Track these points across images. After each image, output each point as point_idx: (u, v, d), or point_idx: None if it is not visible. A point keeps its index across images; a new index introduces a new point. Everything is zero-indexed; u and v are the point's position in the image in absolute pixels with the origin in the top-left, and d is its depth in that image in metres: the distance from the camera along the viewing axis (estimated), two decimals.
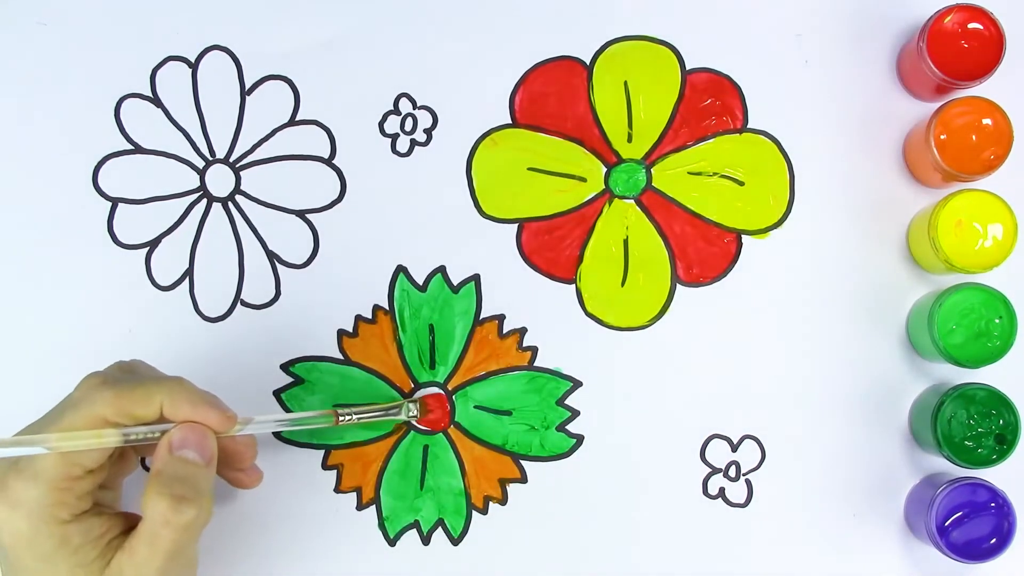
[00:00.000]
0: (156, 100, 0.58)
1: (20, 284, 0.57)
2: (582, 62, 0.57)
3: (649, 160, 0.56)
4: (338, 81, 0.57)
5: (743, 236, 0.56)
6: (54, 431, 0.43)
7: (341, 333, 0.56)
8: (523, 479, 0.55)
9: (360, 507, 0.55)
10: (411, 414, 0.54)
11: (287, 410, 0.55)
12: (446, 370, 0.56)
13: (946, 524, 0.50)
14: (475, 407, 0.55)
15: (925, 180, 0.55)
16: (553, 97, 0.57)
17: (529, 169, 0.57)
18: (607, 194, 0.56)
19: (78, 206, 0.57)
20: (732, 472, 0.54)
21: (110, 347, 0.55)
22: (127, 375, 0.47)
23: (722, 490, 0.55)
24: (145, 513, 0.43)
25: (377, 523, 0.55)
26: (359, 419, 0.52)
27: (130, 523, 0.45)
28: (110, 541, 0.44)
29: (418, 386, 0.56)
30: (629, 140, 0.56)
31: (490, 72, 0.57)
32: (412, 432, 0.55)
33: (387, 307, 0.56)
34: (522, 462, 0.55)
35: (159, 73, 0.58)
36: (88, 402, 0.44)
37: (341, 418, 0.51)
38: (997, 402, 0.50)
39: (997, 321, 0.50)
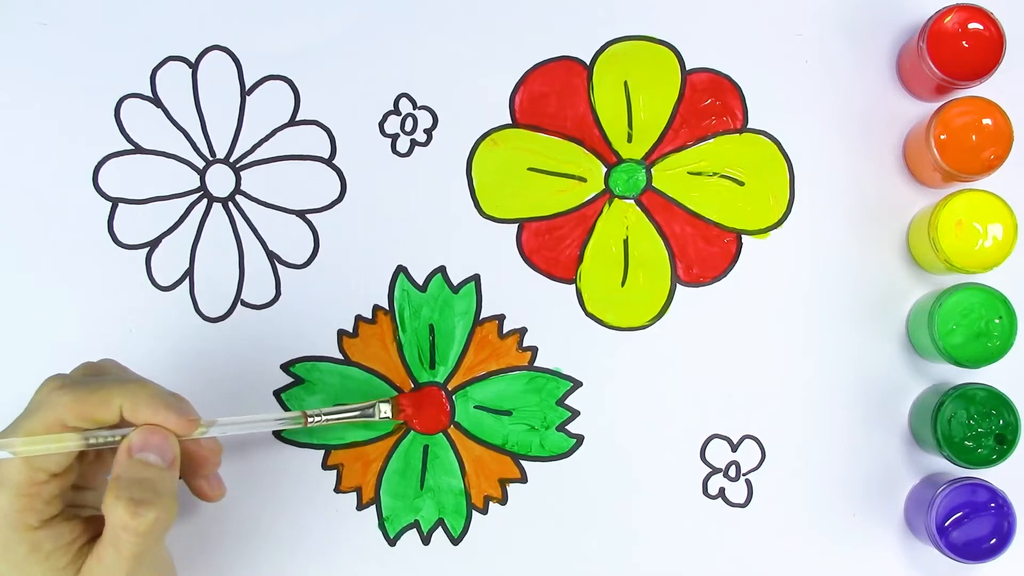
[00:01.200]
0: (156, 100, 0.58)
1: (20, 284, 0.57)
2: (582, 62, 0.57)
3: (649, 160, 0.56)
4: (338, 81, 0.57)
5: (743, 236, 0.56)
6: (15, 436, 0.42)
7: (341, 333, 0.56)
8: (523, 479, 0.55)
9: (360, 507, 0.55)
10: (384, 415, 0.53)
11: (287, 410, 0.55)
12: (446, 370, 0.56)
13: (946, 524, 0.50)
14: (475, 407, 0.55)
15: (925, 180, 0.55)
16: (553, 97, 0.57)
17: (529, 169, 0.57)
18: (607, 194, 0.56)
19: (78, 206, 0.57)
20: (732, 472, 0.54)
21: (110, 347, 0.55)
22: (90, 377, 0.46)
23: (722, 490, 0.55)
24: (106, 518, 0.43)
25: (377, 523, 0.55)
26: (329, 420, 0.51)
27: (100, 528, 0.44)
28: (81, 547, 0.44)
29: (418, 386, 0.56)
30: (629, 140, 0.56)
31: (490, 72, 0.57)
32: (412, 432, 0.55)
33: (387, 307, 0.56)
34: (522, 462, 0.55)
35: (159, 73, 0.58)
36: (47, 406, 0.43)
37: (310, 419, 0.50)
38: (997, 402, 0.50)
39: (997, 321, 0.50)
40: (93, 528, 0.45)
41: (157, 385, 0.45)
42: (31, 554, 0.43)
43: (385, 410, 0.53)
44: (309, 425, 0.50)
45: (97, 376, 0.47)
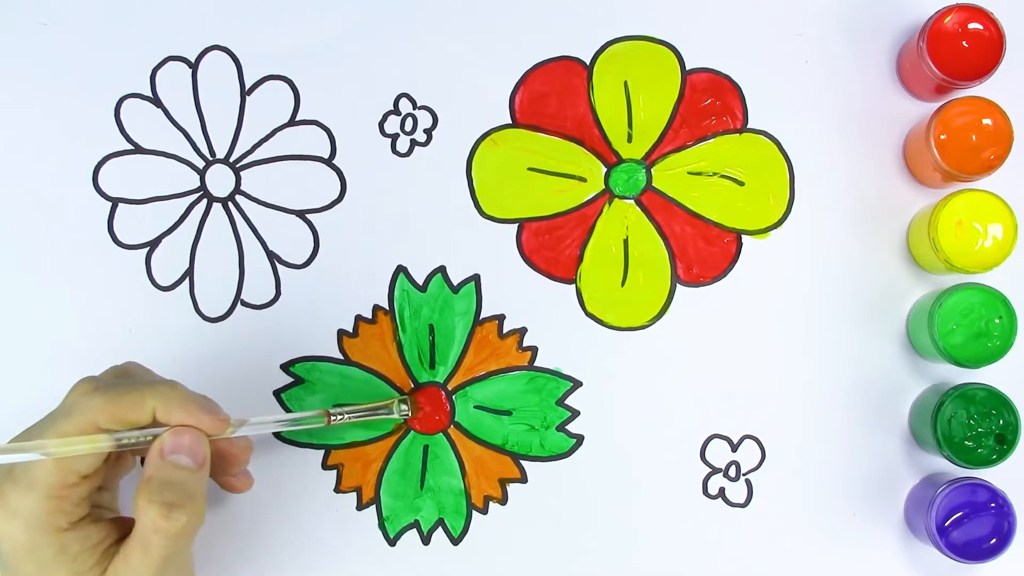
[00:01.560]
0: (156, 100, 0.58)
1: (20, 284, 0.57)
2: (582, 62, 0.57)
3: (649, 160, 0.56)
4: (338, 81, 0.57)
5: (743, 236, 0.56)
6: (48, 438, 0.43)
7: (341, 333, 0.56)
8: (523, 479, 0.55)
9: (360, 507, 0.55)
10: (402, 412, 0.54)
11: (287, 410, 0.55)
12: (446, 370, 0.56)
13: (946, 524, 0.50)
14: (475, 407, 0.55)
15: (925, 180, 0.55)
16: (553, 97, 0.57)
17: (529, 169, 0.57)
18: (607, 194, 0.56)
19: (78, 206, 0.57)
20: (732, 472, 0.54)
21: (110, 347, 0.55)
22: (120, 380, 0.47)
23: (722, 490, 0.55)
24: (137, 519, 0.43)
25: (377, 523, 0.55)
26: (351, 419, 0.52)
27: (126, 529, 0.45)
28: (107, 548, 0.44)
29: (418, 386, 0.56)
30: (629, 140, 0.56)
31: (490, 72, 0.57)
32: (412, 432, 0.55)
33: (387, 307, 0.56)
34: (522, 462, 0.55)
35: (159, 73, 0.58)
36: (80, 409, 0.43)
37: (333, 418, 0.51)
38: (997, 402, 0.50)
39: (997, 321, 0.50)
40: (119, 530, 0.45)
41: (185, 387, 0.46)
42: (58, 556, 0.43)
43: (404, 408, 0.54)
44: (332, 424, 0.51)
45: (126, 379, 0.47)
